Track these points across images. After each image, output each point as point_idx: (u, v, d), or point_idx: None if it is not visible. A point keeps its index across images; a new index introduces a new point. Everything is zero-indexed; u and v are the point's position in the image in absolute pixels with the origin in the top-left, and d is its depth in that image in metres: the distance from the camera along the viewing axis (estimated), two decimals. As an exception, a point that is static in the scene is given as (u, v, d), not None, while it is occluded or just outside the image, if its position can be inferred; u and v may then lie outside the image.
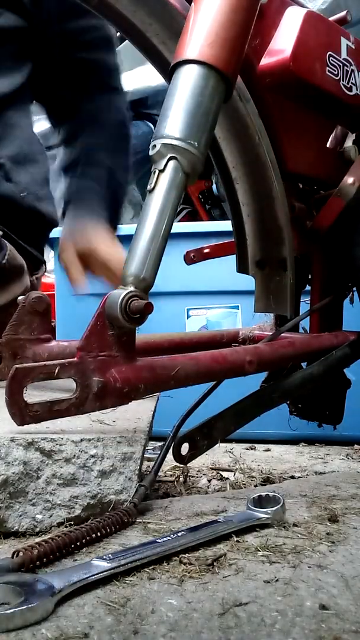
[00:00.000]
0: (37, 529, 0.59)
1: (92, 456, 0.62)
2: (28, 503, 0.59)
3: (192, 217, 2.76)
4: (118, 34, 0.83)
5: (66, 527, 0.61)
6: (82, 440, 0.62)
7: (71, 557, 0.54)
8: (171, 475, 0.95)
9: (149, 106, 2.77)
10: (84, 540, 0.56)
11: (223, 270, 1.48)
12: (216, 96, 0.66)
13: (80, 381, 0.59)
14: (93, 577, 0.48)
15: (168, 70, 0.69)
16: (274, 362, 0.81)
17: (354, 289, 0.99)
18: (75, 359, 0.59)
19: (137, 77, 2.56)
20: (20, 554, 0.50)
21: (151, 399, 0.87)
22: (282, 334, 0.88)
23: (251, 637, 0.42)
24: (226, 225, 1.66)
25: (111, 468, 0.63)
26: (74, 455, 0.61)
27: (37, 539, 0.58)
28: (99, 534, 0.58)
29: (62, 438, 0.61)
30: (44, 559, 0.51)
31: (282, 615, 0.44)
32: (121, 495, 0.64)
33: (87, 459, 0.62)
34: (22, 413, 0.56)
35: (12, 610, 0.41)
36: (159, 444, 0.95)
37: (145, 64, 2.49)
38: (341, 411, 0.98)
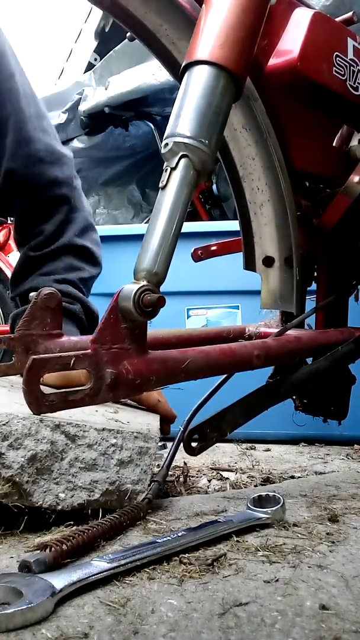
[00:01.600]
0: (59, 507, 0.61)
1: (113, 445, 0.65)
2: (52, 481, 0.61)
3: (192, 217, 2.76)
4: (128, 33, 0.84)
5: (85, 510, 0.62)
6: (104, 429, 0.65)
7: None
8: (171, 475, 0.94)
9: (149, 104, 2.77)
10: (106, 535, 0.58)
11: (223, 270, 1.49)
12: (227, 96, 0.67)
13: (94, 372, 0.60)
14: (93, 577, 0.48)
15: (178, 70, 0.70)
16: (281, 357, 0.81)
17: (359, 286, 1.00)
18: (90, 351, 0.60)
19: (138, 75, 2.57)
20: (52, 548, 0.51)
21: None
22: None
23: (251, 637, 0.42)
24: (226, 225, 1.67)
25: (129, 459, 0.66)
26: (96, 442, 0.64)
27: (47, 537, 0.58)
28: (117, 528, 0.60)
29: (85, 425, 0.63)
30: (73, 554, 0.53)
31: (282, 615, 0.44)
32: (137, 486, 0.66)
33: (107, 447, 0.64)
34: (39, 402, 0.57)
35: (12, 610, 0.41)
36: (159, 443, 0.96)
37: (145, 62, 2.50)
38: (346, 407, 0.99)
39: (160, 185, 0.64)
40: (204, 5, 0.71)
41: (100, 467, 0.64)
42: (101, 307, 0.62)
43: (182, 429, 0.77)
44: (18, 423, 0.59)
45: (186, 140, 0.64)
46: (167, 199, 0.63)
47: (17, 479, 0.58)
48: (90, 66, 3.28)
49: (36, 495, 0.59)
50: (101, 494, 0.63)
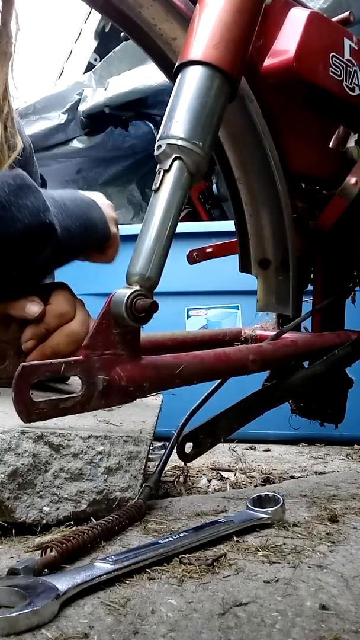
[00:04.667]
0: (44, 521, 0.60)
1: (99, 453, 0.63)
2: (36, 495, 0.59)
3: (192, 217, 2.76)
4: (122, 33, 0.83)
5: (72, 521, 0.61)
6: (89, 436, 0.63)
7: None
8: (171, 475, 0.95)
9: (149, 106, 2.76)
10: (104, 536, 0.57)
11: (223, 270, 1.49)
12: (221, 97, 0.66)
13: (85, 379, 0.59)
14: (97, 579, 0.48)
15: (172, 70, 0.69)
16: (276, 361, 0.81)
17: (356, 288, 1.00)
18: (81, 357, 0.59)
19: (138, 76, 2.56)
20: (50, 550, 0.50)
21: (154, 406, 0.88)
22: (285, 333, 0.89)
23: (251, 637, 0.41)
24: (226, 225, 1.67)
25: (117, 465, 0.64)
26: (82, 451, 0.62)
27: (46, 537, 0.58)
28: (117, 528, 0.59)
29: (70, 434, 0.62)
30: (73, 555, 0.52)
31: (282, 615, 0.44)
32: (126, 493, 0.65)
33: (94, 455, 0.63)
34: (29, 410, 0.56)
35: (16, 614, 0.41)
36: (159, 444, 0.96)
37: (146, 63, 2.49)
38: (343, 410, 0.99)
39: (153, 187, 0.63)
40: (197, 5, 0.70)
41: (86, 477, 0.62)
42: (99, 308, 0.61)
43: (175, 434, 0.76)
44: None
45: (180, 142, 0.63)
46: (160, 202, 0.62)
47: None
48: (90, 66, 3.27)
49: (19, 511, 0.58)
50: (88, 504, 0.62)
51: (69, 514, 0.61)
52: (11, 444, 0.58)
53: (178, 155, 0.63)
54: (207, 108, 0.65)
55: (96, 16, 3.40)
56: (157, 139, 0.65)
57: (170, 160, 0.63)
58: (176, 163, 0.63)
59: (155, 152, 0.65)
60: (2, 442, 0.58)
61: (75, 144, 3.05)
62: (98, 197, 0.95)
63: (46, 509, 0.60)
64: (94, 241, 0.90)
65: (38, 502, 0.60)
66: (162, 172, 0.63)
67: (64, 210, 0.83)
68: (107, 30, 3.21)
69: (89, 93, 2.86)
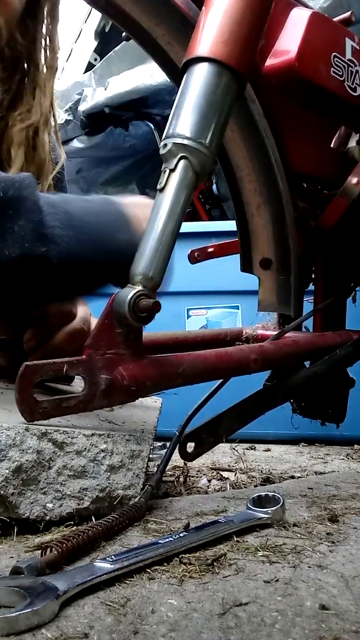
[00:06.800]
0: (47, 518, 0.60)
1: (102, 451, 0.63)
2: (39, 491, 0.59)
3: (192, 217, 2.76)
4: (124, 33, 0.83)
5: (74, 518, 0.61)
6: (93, 434, 0.63)
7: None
8: (171, 475, 0.94)
9: (149, 105, 2.76)
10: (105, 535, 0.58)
11: (223, 270, 1.49)
12: (229, 95, 0.65)
13: (88, 378, 0.59)
14: (97, 579, 0.48)
15: (174, 70, 0.69)
16: (278, 361, 0.81)
17: (357, 288, 1.00)
18: (84, 356, 0.59)
19: (138, 76, 2.56)
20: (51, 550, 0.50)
21: (155, 408, 0.88)
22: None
23: (251, 637, 0.41)
24: (226, 225, 1.67)
25: (120, 463, 0.65)
26: (85, 449, 0.62)
27: (47, 537, 0.58)
28: (117, 528, 0.59)
29: (74, 431, 0.62)
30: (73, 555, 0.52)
31: (282, 615, 0.44)
32: (129, 491, 0.65)
33: (97, 452, 0.63)
34: (32, 410, 0.56)
35: (16, 614, 0.41)
36: (159, 444, 0.96)
37: (146, 62, 2.49)
38: (344, 410, 0.99)
39: (158, 187, 0.63)
40: (205, 1, 0.68)
41: (89, 474, 0.62)
42: (101, 308, 0.61)
43: (177, 433, 0.76)
44: (2, 434, 0.58)
45: (186, 142, 0.62)
46: (165, 202, 0.62)
47: (2, 492, 0.57)
48: (90, 66, 3.27)
49: (22, 506, 0.58)
50: (91, 502, 0.62)
51: (72, 511, 0.61)
52: (16, 440, 0.59)
53: (184, 154, 0.63)
54: (214, 106, 0.64)
55: (96, 16, 3.40)
56: (163, 137, 0.65)
57: (176, 159, 0.63)
58: (182, 162, 0.63)
59: (161, 151, 0.64)
60: (7, 438, 0.58)
61: (76, 143, 3.05)
62: (139, 208, 0.78)
63: (50, 505, 0.60)
64: (120, 270, 0.68)
65: (42, 498, 0.60)
66: (167, 171, 0.63)
67: (78, 230, 0.70)
68: (107, 30, 3.21)
69: (89, 93, 2.86)
